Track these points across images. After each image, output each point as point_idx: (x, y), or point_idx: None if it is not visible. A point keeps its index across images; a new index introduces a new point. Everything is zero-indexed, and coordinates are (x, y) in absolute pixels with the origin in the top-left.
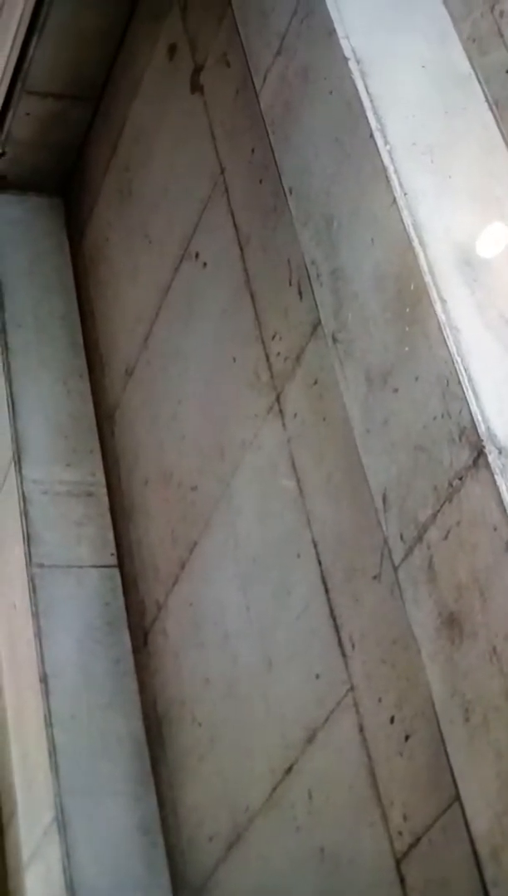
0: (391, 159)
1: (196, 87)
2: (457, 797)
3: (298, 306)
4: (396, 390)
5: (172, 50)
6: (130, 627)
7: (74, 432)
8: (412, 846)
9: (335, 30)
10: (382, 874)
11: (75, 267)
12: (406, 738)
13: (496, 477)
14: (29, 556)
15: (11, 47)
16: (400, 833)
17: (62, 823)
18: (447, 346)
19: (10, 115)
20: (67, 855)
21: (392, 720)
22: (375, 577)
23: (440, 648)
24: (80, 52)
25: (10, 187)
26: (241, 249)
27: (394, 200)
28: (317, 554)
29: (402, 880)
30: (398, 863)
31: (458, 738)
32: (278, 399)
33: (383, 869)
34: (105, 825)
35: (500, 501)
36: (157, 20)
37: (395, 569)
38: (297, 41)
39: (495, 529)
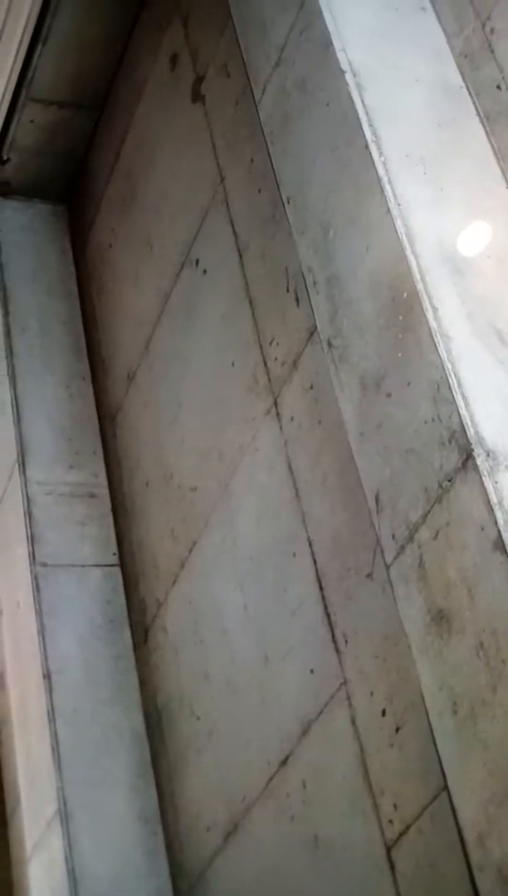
0: (386, 170)
1: (197, 97)
2: (445, 786)
3: (295, 312)
4: (389, 395)
5: (174, 60)
6: (131, 625)
7: (76, 434)
8: (402, 834)
9: (331, 43)
10: (373, 861)
11: (78, 272)
12: (397, 730)
13: (483, 479)
14: (33, 555)
15: (16, 55)
16: (391, 821)
17: (65, 815)
18: (438, 352)
19: (14, 122)
20: (70, 845)
21: (384, 713)
22: (368, 576)
23: (429, 644)
24: (83, 61)
25: (14, 194)
26: (240, 257)
27: (388, 210)
28: (312, 553)
29: (392, 867)
30: (388, 850)
31: (446, 730)
32: (275, 403)
33: (374, 856)
34: (107, 816)
35: (487, 502)
36: (159, 30)
37: (387, 567)
38: (295, 53)
39: (482, 529)
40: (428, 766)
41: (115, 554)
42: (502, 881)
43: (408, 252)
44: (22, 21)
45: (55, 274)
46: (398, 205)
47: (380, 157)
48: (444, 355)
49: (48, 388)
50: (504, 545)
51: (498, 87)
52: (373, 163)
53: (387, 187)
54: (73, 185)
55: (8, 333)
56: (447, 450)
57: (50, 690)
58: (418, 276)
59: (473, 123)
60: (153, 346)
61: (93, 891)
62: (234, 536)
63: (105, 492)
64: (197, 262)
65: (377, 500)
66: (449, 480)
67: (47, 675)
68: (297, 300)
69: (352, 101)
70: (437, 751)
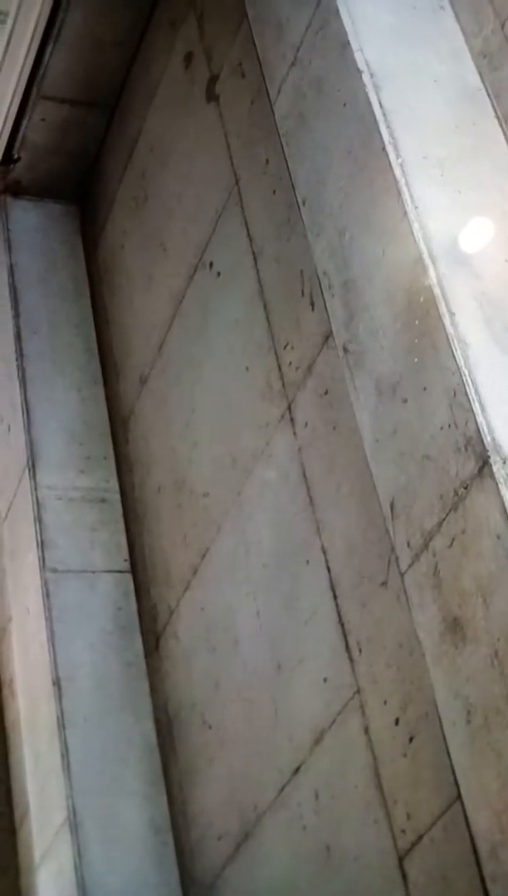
0: (403, 172)
1: (212, 97)
2: (458, 797)
3: (310, 317)
4: (405, 401)
5: (188, 59)
6: (142, 632)
7: (88, 439)
8: (415, 844)
9: (349, 42)
10: (385, 871)
11: (90, 274)
12: (411, 739)
13: (500, 486)
14: (43, 561)
15: (28, 52)
16: (403, 831)
17: (74, 824)
18: (454, 358)
19: (25, 120)
20: (79, 854)
21: (397, 722)
22: (382, 584)
23: (443, 652)
24: (96, 59)
25: (25, 193)
26: (254, 259)
27: (405, 213)
28: (326, 560)
29: (405, 877)
30: (400, 860)
31: (460, 740)
32: (289, 408)
33: (386, 866)
34: (117, 825)
35: (503, 510)
36: (173, 28)
37: (402, 575)
38: (312, 53)
39: (498, 538)
40: (442, 776)
41: (126, 560)
42: None
43: (425, 256)
44: (34, 17)
45: (66, 275)
46: (415, 208)
47: (397, 159)
48: (461, 361)
49: (59, 391)
50: None
51: None
52: (390, 165)
53: (404, 190)
54: (85, 184)
55: (18, 336)
56: (463, 456)
57: (60, 698)
58: (434, 280)
59: (492, 125)
60: (166, 350)
61: None
62: (247, 543)
63: (116, 497)
64: (211, 264)
65: (391, 507)
66: (465, 488)
67: (57, 683)
68: (312, 304)
69: (369, 102)
70: (451, 760)
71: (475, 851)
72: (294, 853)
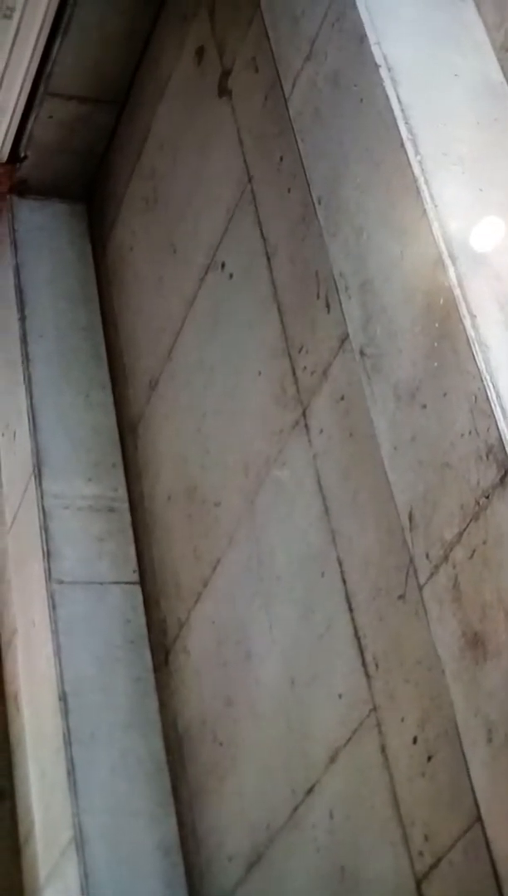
0: (422, 170)
1: (224, 92)
2: (479, 818)
3: (325, 319)
4: (424, 406)
5: (200, 53)
6: (151, 645)
7: (95, 446)
8: (433, 867)
9: (366, 35)
10: (402, 895)
11: (98, 276)
12: (429, 758)
13: None
14: (49, 571)
15: (35, 48)
16: (421, 853)
17: (80, 843)
18: (475, 362)
19: (32, 117)
20: (85, 875)
21: (415, 741)
22: (400, 597)
23: (463, 668)
24: (104, 54)
25: (32, 193)
26: (268, 260)
27: (424, 212)
28: (342, 572)
29: None
30: (418, 883)
31: (480, 759)
32: (304, 414)
33: (403, 890)
34: (124, 845)
35: None
36: (184, 22)
37: (420, 588)
38: (327, 46)
39: None
40: (461, 797)
41: (135, 571)
42: None
43: (445, 256)
44: (41, 12)
45: (74, 277)
46: (435, 206)
47: (416, 156)
48: (482, 365)
49: (66, 396)
50: None
51: None
52: (409, 162)
53: (423, 188)
54: (93, 183)
55: (24, 339)
56: (484, 465)
57: (66, 713)
58: (455, 282)
59: None
60: (177, 354)
61: None
62: (259, 554)
63: (125, 506)
64: (223, 265)
65: (410, 517)
66: (487, 497)
67: (63, 697)
68: (328, 306)
69: (387, 97)
70: (470, 780)
71: (495, 875)
72: (308, 875)
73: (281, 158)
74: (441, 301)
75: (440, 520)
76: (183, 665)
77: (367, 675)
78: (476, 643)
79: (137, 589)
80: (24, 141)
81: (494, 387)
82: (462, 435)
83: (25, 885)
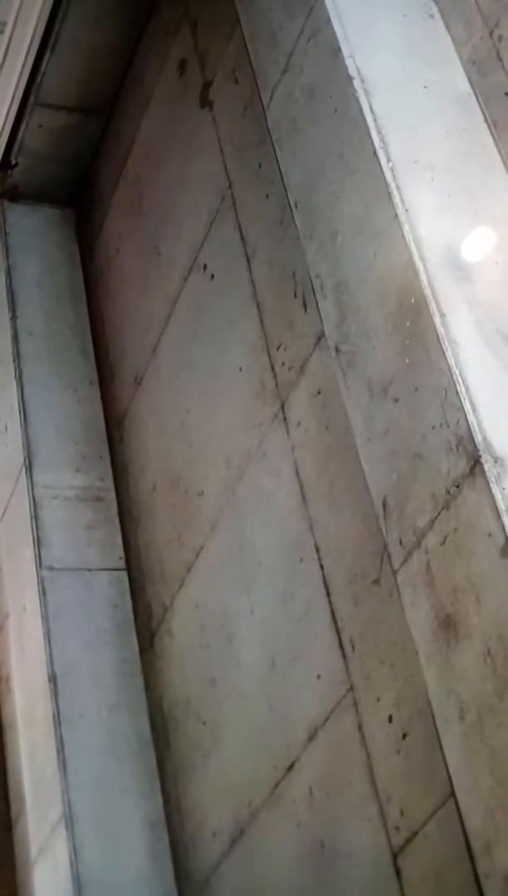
0: (394, 176)
1: (205, 103)
2: (452, 793)
3: (302, 318)
4: (396, 400)
5: (182, 65)
6: (137, 629)
7: (83, 438)
8: (409, 840)
9: (340, 49)
10: (379, 868)
11: (86, 277)
12: (404, 736)
13: (491, 485)
14: (39, 559)
15: (25, 60)
16: (397, 828)
17: (70, 819)
18: (445, 358)
19: (23, 126)
20: (75, 850)
21: (391, 719)
22: (375, 582)
23: (436, 650)
24: (91, 67)
25: (22, 198)
26: (248, 262)
27: (396, 216)
28: (319, 558)
29: (398, 873)
30: (394, 857)
31: (453, 737)
32: (282, 408)
33: (380, 863)
34: (112, 821)
35: (495, 509)
36: (167, 36)
37: (394, 573)
38: (304, 59)
39: (490, 536)
40: (435, 773)
41: (121, 558)
42: None
43: (416, 258)
44: (31, 26)
45: (63, 278)
46: (406, 211)
47: (388, 163)
48: (452, 361)
49: (55, 392)
50: None
51: (506, 94)
52: (381, 169)
53: (395, 193)
54: (81, 189)
55: (15, 337)
56: (454, 455)
57: (56, 694)
58: (425, 282)
59: (481, 130)
60: (161, 351)
61: None
62: (241, 541)
63: (112, 496)
64: (205, 266)
65: (384, 505)
66: (457, 486)
67: (53, 679)
68: (304, 305)
69: (360, 108)
70: (444, 757)
71: (468, 848)
72: (288, 849)
73: (260, 165)
74: (413, 300)
75: (413, 508)
76: (168, 648)
77: (344, 657)
78: (448, 625)
79: (124, 575)
80: (16, 149)
81: (463, 381)
82: (433, 427)
83: (17, 861)
